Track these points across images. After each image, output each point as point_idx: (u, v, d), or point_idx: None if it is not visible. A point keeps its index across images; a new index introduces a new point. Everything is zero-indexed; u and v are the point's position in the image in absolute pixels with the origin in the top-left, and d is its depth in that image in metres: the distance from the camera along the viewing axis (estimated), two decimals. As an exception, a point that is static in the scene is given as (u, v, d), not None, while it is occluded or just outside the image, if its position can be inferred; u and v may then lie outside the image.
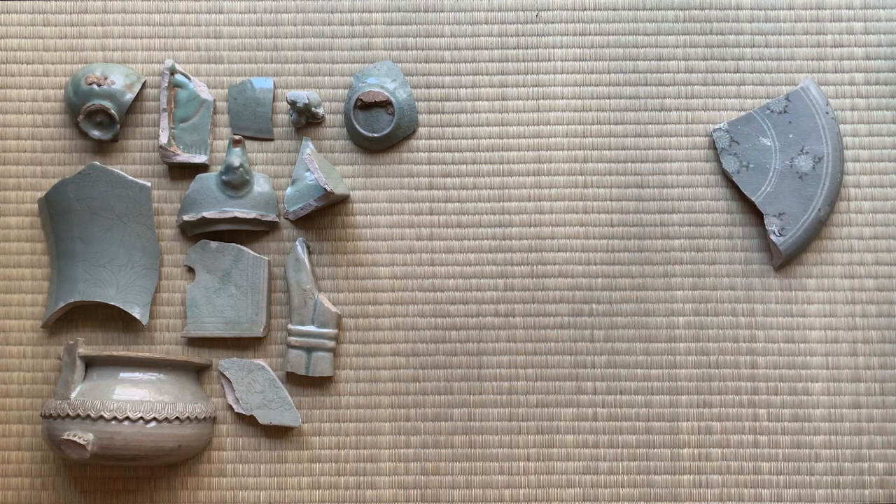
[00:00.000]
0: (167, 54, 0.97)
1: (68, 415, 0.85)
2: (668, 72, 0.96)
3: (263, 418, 0.93)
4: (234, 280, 0.94)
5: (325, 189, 0.88)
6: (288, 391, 0.94)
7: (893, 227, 0.95)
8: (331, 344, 0.93)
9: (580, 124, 0.96)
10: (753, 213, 0.95)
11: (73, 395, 0.87)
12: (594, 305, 0.94)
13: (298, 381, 0.94)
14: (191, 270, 0.95)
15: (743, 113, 0.95)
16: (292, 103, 0.93)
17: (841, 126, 0.95)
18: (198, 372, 0.94)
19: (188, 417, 0.88)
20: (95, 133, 0.94)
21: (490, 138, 0.96)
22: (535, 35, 0.96)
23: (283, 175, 0.96)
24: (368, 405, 0.94)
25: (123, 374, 0.89)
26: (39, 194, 0.96)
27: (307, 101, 0.92)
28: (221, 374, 0.94)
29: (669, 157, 0.95)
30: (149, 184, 0.93)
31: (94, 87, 0.93)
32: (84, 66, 0.95)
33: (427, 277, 0.95)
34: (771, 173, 0.93)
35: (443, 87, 0.96)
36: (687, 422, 0.93)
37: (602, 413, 0.93)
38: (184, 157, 0.94)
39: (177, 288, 0.95)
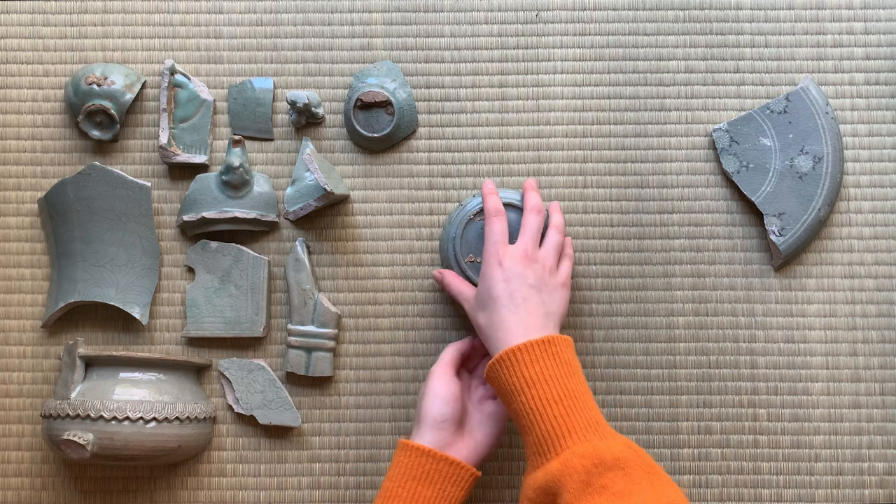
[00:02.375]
0: (167, 54, 0.97)
1: (68, 415, 0.85)
2: (668, 72, 0.96)
3: (263, 418, 0.93)
4: (234, 280, 0.94)
5: (325, 189, 0.88)
6: (288, 391, 0.94)
7: (893, 227, 0.95)
8: (331, 344, 0.93)
9: (580, 124, 0.96)
10: (753, 213, 0.95)
11: (72, 395, 0.87)
12: (594, 305, 0.94)
13: (298, 381, 0.94)
14: (191, 270, 0.95)
15: (743, 113, 0.95)
16: (292, 103, 0.93)
17: (841, 126, 0.95)
18: (198, 372, 0.94)
19: (188, 417, 0.88)
20: (95, 133, 0.94)
21: (490, 138, 0.96)
22: (535, 35, 0.96)
23: (283, 175, 0.96)
24: (368, 405, 0.94)
25: (123, 374, 0.89)
26: (39, 194, 0.96)
27: (307, 101, 0.92)
28: (221, 374, 0.94)
29: (669, 157, 0.95)
30: (149, 184, 0.93)
31: (94, 87, 0.93)
32: (84, 66, 0.95)
33: (427, 277, 0.95)
34: (771, 173, 0.93)
35: (443, 87, 0.96)
36: (687, 422, 0.93)
37: (602, 413, 0.93)
38: (184, 157, 0.94)
39: (177, 288, 0.95)
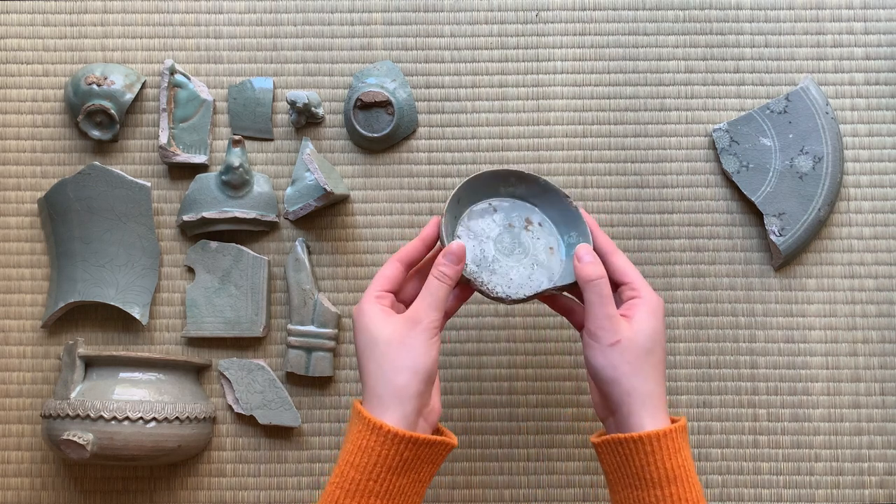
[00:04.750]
0: (167, 54, 0.97)
1: (68, 415, 0.85)
2: (668, 72, 0.96)
3: (263, 418, 0.93)
4: (234, 280, 0.94)
5: (325, 189, 0.88)
6: (288, 391, 0.94)
7: (893, 227, 0.95)
8: (331, 344, 0.93)
9: (580, 124, 0.96)
10: (753, 213, 0.95)
11: (72, 395, 0.87)
12: (594, 305, 0.94)
13: (298, 381, 0.94)
14: (191, 270, 0.95)
15: (743, 113, 0.95)
16: (292, 103, 0.93)
17: (841, 126, 0.95)
18: (198, 372, 0.94)
19: (188, 417, 0.88)
20: (95, 133, 0.94)
21: (490, 138, 0.96)
22: (535, 35, 0.96)
23: (283, 175, 0.96)
24: (368, 405, 0.94)
25: (123, 374, 0.89)
26: (39, 194, 0.96)
27: (307, 101, 0.92)
28: (221, 374, 0.94)
29: (669, 157, 0.95)
30: (149, 184, 0.93)
31: (94, 87, 0.93)
32: (84, 66, 0.95)
33: (427, 277, 0.95)
34: (771, 173, 0.93)
35: (443, 87, 0.96)
36: (687, 422, 0.93)
37: (602, 413, 0.93)
38: (184, 157, 0.94)
39: (177, 288, 0.95)
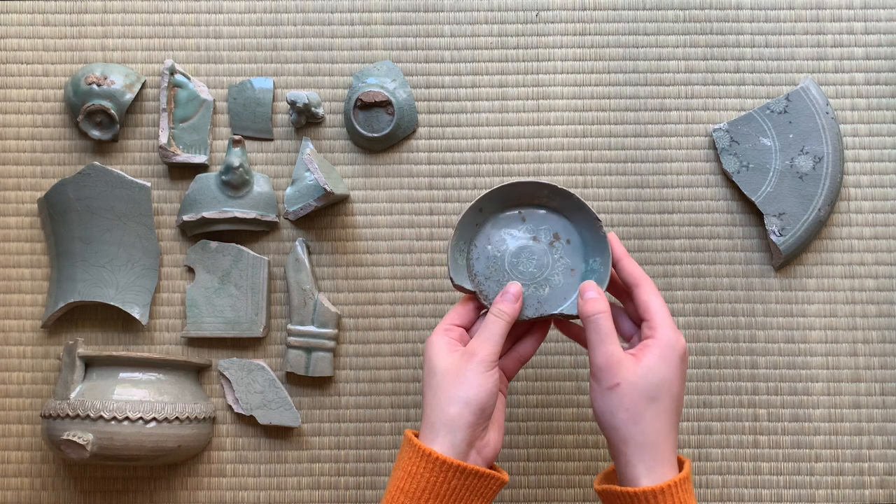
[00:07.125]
0: (167, 54, 0.97)
1: (68, 415, 0.85)
2: (668, 72, 0.96)
3: (263, 418, 0.93)
4: (234, 280, 0.94)
5: (325, 189, 0.88)
6: (288, 391, 0.94)
7: (893, 227, 0.95)
8: (331, 344, 0.93)
9: (580, 124, 0.96)
10: (753, 213, 0.95)
11: (72, 395, 0.87)
12: (594, 305, 0.94)
13: (298, 381, 0.94)
14: (190, 270, 0.95)
15: (743, 113, 0.95)
16: (292, 103, 0.93)
17: (841, 126, 0.95)
18: (197, 372, 0.94)
19: (188, 417, 0.88)
20: (95, 133, 0.94)
21: (490, 138, 0.96)
22: (535, 35, 0.96)
23: (283, 175, 0.96)
24: (368, 405, 0.94)
25: (123, 374, 0.89)
26: (39, 194, 0.96)
27: (307, 101, 0.92)
28: (221, 374, 0.94)
29: (669, 157, 0.95)
30: (148, 184, 0.93)
31: (94, 87, 0.93)
32: (84, 66, 0.95)
33: (427, 277, 0.95)
34: (771, 173, 0.93)
35: (443, 87, 0.96)
36: (687, 422, 0.93)
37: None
38: (184, 157, 0.94)
39: (177, 288, 0.95)
